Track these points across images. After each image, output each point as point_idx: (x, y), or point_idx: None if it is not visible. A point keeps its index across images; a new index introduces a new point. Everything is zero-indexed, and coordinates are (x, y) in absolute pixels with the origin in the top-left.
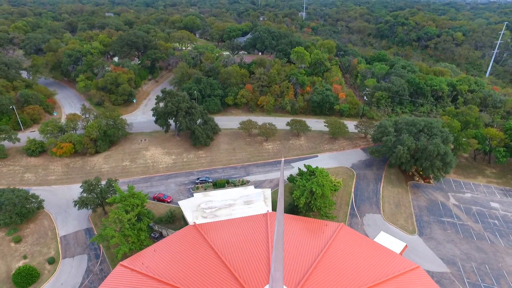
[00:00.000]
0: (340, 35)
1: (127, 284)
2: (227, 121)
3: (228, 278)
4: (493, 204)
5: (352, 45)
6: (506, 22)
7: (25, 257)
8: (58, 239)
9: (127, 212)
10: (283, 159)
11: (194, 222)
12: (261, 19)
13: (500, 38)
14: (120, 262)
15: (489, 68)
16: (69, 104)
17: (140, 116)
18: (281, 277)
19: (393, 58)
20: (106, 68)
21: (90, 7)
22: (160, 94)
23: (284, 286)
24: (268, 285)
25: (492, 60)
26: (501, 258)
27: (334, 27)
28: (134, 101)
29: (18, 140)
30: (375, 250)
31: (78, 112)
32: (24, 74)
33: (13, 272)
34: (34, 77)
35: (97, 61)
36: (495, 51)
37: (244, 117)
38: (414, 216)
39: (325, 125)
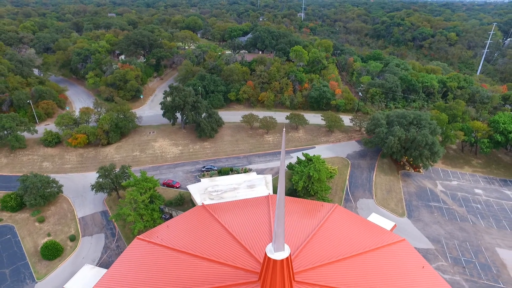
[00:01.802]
0: (338, 35)
1: (144, 253)
2: (230, 116)
3: (235, 245)
4: (477, 191)
5: (349, 45)
6: (495, 23)
7: (49, 235)
8: (77, 220)
9: (140, 194)
10: (284, 129)
11: (203, 203)
12: (260, 19)
13: (489, 38)
14: (137, 236)
15: (480, 67)
16: (78, 100)
17: (147, 110)
18: (283, 232)
19: (388, 57)
20: (114, 66)
21: (92, 8)
22: (167, 90)
23: (285, 244)
24: (271, 243)
25: (483, 59)
26: (481, 237)
27: (332, 28)
28: (141, 96)
29: (36, 131)
30: (366, 226)
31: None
32: (35, 71)
33: (41, 245)
34: (45, 74)
35: (106, 59)
36: (485, 50)
37: (246, 112)
38: (404, 201)
39: (322, 119)
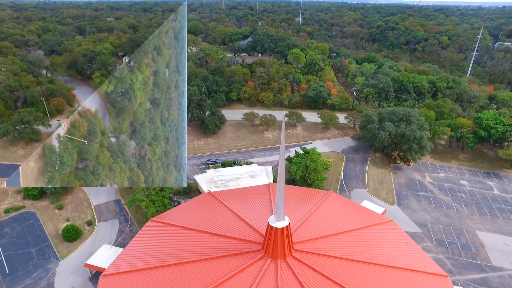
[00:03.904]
0: (335, 39)
1: (158, 232)
2: (232, 114)
3: (240, 222)
4: (462, 182)
5: (346, 49)
6: (483, 28)
7: (68, 220)
8: (93, 207)
9: None
10: (284, 114)
11: (209, 190)
12: (259, 24)
13: (478, 42)
14: (151, 218)
15: (470, 69)
16: (85, 99)
17: None
18: (283, 204)
19: (382, 59)
20: (119, 67)
21: (91, 12)
22: None
23: (285, 216)
24: (273, 215)
25: (472, 61)
26: (464, 221)
27: (329, 32)
28: None
29: (50, 125)
30: (357, 209)
31: None
32: (43, 72)
33: (62, 228)
34: (53, 74)
35: (111, 60)
36: (474, 53)
37: (247, 111)
38: (394, 191)
39: (318, 117)
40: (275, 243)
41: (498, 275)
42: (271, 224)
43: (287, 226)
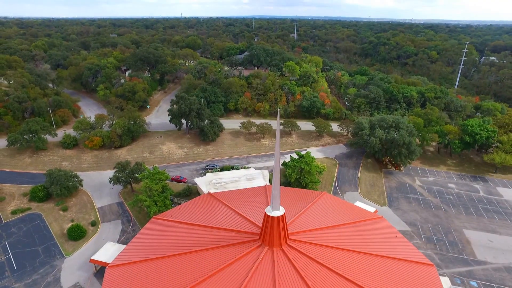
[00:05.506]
0: (328, 54)
1: (161, 227)
2: (230, 123)
3: (239, 217)
4: (450, 185)
5: (339, 63)
6: (467, 43)
7: (72, 221)
8: (96, 209)
9: (155, 184)
10: (278, 110)
11: (209, 191)
12: (255, 40)
13: (463, 56)
14: (153, 217)
15: (457, 81)
16: (89, 111)
17: (154, 119)
18: (279, 194)
19: (373, 72)
20: (122, 80)
21: (94, 29)
22: (170, 103)
23: (280, 206)
24: (269, 206)
25: (459, 74)
26: (451, 221)
27: (323, 47)
28: (148, 107)
29: (56, 135)
30: (350, 207)
31: None
32: (49, 84)
33: (68, 227)
34: (59, 87)
35: (115, 73)
36: (461, 66)
37: (244, 120)
38: (385, 193)
39: (312, 125)
40: (271, 232)
41: (482, 268)
42: (267, 213)
43: (282, 215)
